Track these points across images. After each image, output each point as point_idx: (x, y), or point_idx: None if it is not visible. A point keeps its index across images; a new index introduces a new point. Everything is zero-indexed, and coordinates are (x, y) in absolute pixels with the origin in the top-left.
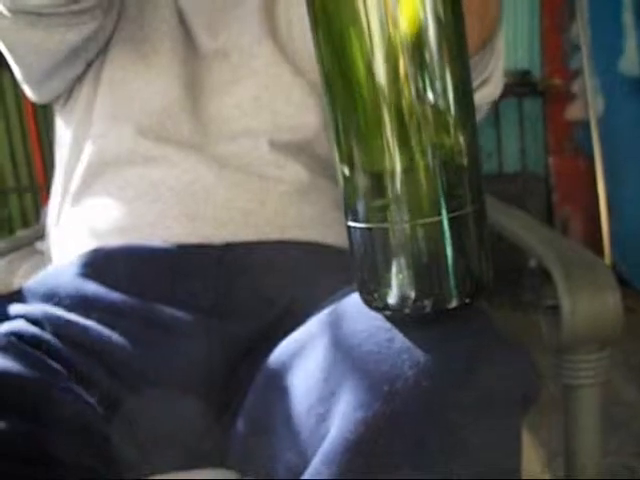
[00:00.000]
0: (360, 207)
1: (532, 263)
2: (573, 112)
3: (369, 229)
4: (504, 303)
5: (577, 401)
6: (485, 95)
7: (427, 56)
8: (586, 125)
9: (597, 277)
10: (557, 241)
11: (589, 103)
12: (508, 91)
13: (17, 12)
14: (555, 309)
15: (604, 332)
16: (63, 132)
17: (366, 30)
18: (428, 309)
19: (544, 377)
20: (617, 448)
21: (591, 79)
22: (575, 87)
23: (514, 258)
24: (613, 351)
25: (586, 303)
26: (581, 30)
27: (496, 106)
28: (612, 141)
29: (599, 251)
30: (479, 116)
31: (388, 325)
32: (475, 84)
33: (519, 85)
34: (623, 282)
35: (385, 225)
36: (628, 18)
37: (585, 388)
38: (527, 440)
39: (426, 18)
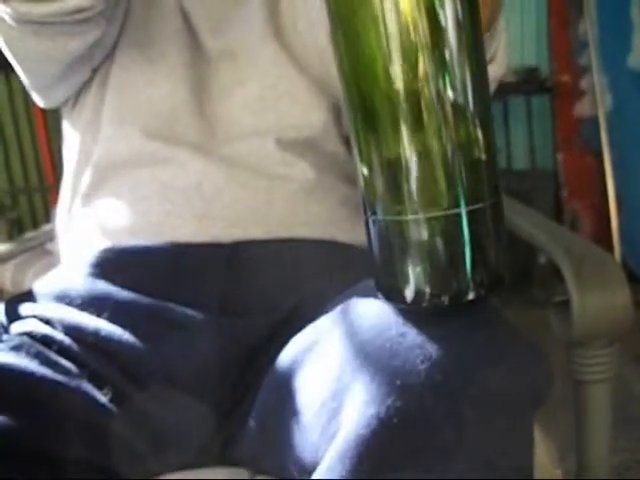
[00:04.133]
0: (378, 201)
1: (541, 259)
2: (582, 109)
3: (387, 223)
4: (514, 299)
5: (587, 397)
6: (489, 74)
7: (445, 51)
8: (595, 121)
9: (606, 272)
10: (566, 237)
11: (597, 99)
12: (516, 88)
13: (22, 22)
14: (565, 304)
15: (614, 327)
16: (71, 135)
17: (383, 29)
18: (445, 302)
19: (555, 373)
20: (630, 444)
21: (599, 75)
22: (583, 84)
23: (523, 254)
24: (624, 347)
25: (596, 298)
26: (589, 26)
27: (504, 103)
28: (621, 137)
29: (608, 247)
30: None
31: (400, 320)
32: None
33: (527, 82)
34: (633, 277)
35: (403, 218)
36: (636, 14)
37: (595, 383)
38: (539, 436)
39: (444, 14)
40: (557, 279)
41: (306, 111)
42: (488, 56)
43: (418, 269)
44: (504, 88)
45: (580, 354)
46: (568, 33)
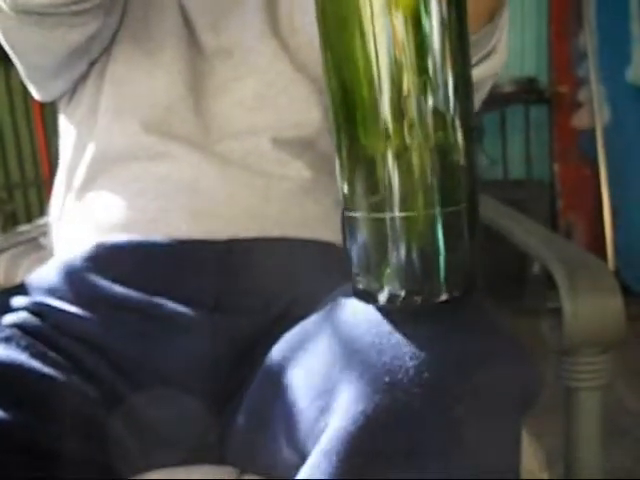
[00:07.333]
0: (354, 198)
1: (535, 268)
2: (579, 120)
3: (361, 219)
4: (507, 308)
5: (578, 404)
6: (489, 67)
7: (427, 54)
8: (592, 133)
9: (599, 279)
10: (560, 244)
11: (595, 111)
12: (514, 98)
13: (20, 12)
14: (557, 312)
15: (606, 334)
16: (67, 129)
17: (368, 29)
18: (418, 302)
19: (546, 380)
20: (620, 456)
21: (598, 87)
22: (581, 95)
23: (517, 264)
24: (616, 359)
25: (588, 305)
26: (588, 38)
27: (502, 112)
28: (617, 149)
29: (603, 258)
30: (484, 90)
31: (389, 318)
32: (479, 57)
33: (526, 92)
34: (626, 289)
35: (376, 215)
36: (635, 27)
37: (586, 391)
38: (527, 441)
39: (428, 16)
40: (550, 287)
41: (303, 109)
42: (488, 48)
43: (391, 268)
44: (503, 97)
45: (571, 361)
46: (568, 44)
